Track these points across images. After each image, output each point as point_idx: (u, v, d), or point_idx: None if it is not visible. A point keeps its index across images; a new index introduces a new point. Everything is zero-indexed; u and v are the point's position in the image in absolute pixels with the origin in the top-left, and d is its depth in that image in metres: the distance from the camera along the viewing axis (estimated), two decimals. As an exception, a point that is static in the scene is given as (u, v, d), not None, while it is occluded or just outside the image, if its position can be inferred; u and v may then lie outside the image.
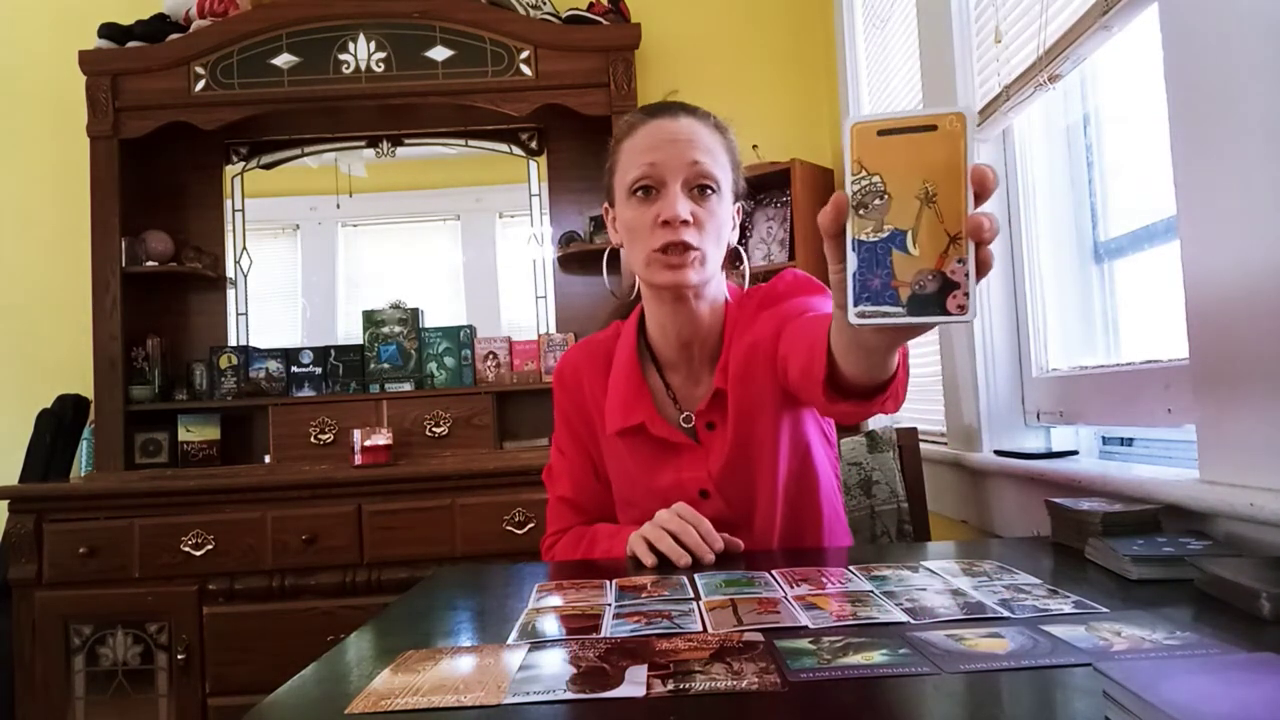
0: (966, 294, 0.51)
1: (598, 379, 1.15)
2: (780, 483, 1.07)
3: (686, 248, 1.02)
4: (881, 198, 0.52)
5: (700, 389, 1.12)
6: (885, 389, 0.77)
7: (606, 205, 1.14)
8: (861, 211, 0.53)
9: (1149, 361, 1.17)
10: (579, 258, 2.73)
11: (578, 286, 2.83)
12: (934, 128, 0.52)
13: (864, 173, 0.53)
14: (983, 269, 0.52)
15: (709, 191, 1.04)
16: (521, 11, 2.61)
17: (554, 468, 1.20)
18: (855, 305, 0.53)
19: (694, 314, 1.09)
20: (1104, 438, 1.38)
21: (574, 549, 1.12)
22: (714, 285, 1.10)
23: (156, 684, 2.11)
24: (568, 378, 1.18)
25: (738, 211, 1.12)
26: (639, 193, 1.04)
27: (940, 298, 0.51)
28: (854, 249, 0.53)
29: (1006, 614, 0.67)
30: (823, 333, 0.79)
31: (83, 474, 2.58)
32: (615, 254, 1.16)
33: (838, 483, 1.18)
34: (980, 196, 0.52)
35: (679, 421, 1.11)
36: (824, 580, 0.82)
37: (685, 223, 1.01)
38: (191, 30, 2.57)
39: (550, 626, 0.71)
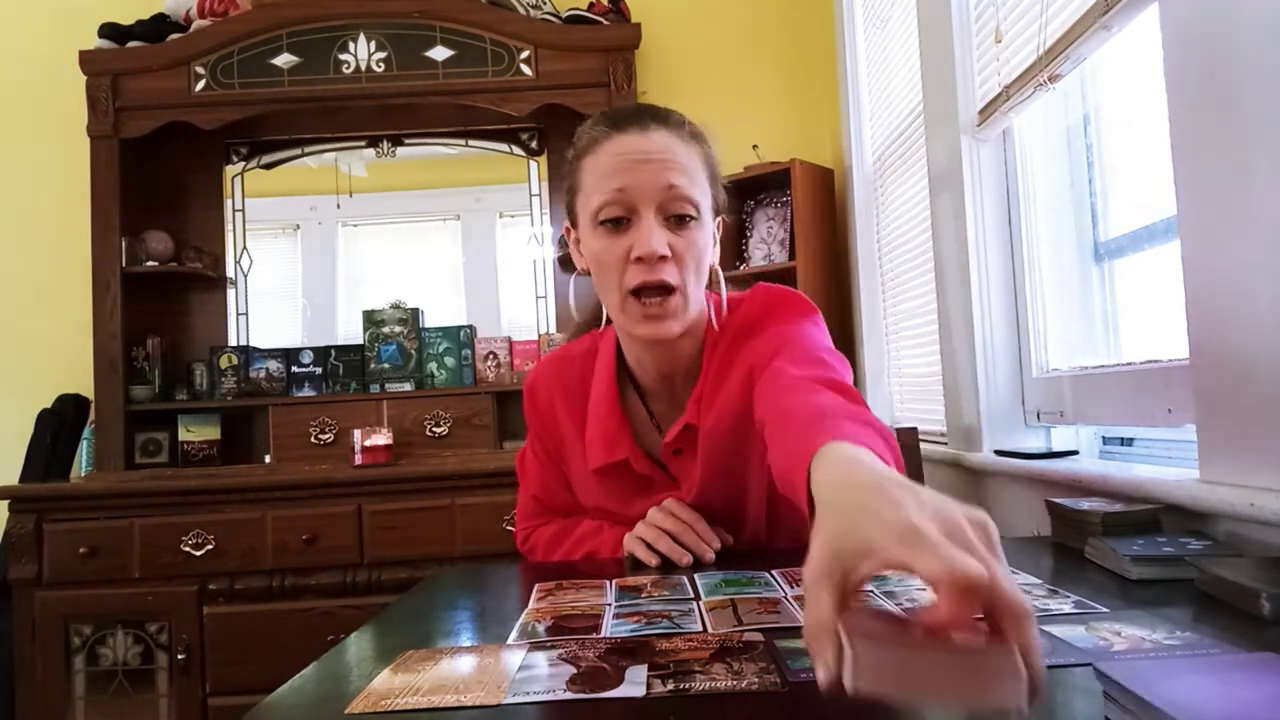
0: None
1: (573, 407, 1.06)
2: (760, 503, 1.01)
3: (666, 290, 0.90)
4: None
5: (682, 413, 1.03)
6: None
7: (568, 225, 1.02)
8: None
9: (1149, 361, 1.17)
10: (579, 258, 2.72)
11: (577, 287, 2.82)
12: None
13: None
14: None
15: (688, 220, 0.92)
16: (521, 11, 2.61)
17: (527, 463, 1.15)
18: None
19: (674, 352, 1.00)
20: (1104, 438, 1.38)
21: (556, 547, 1.09)
22: (695, 316, 0.97)
23: (156, 684, 2.10)
24: (540, 399, 1.09)
25: (718, 227, 1.00)
26: (607, 223, 0.92)
27: None
28: None
29: (1006, 614, 0.67)
30: (801, 465, 0.59)
31: (83, 474, 2.58)
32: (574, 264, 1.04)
33: None
34: None
35: (659, 450, 1.03)
36: (824, 580, 0.82)
37: (663, 258, 0.90)
38: (191, 30, 2.57)
39: (550, 626, 0.71)
